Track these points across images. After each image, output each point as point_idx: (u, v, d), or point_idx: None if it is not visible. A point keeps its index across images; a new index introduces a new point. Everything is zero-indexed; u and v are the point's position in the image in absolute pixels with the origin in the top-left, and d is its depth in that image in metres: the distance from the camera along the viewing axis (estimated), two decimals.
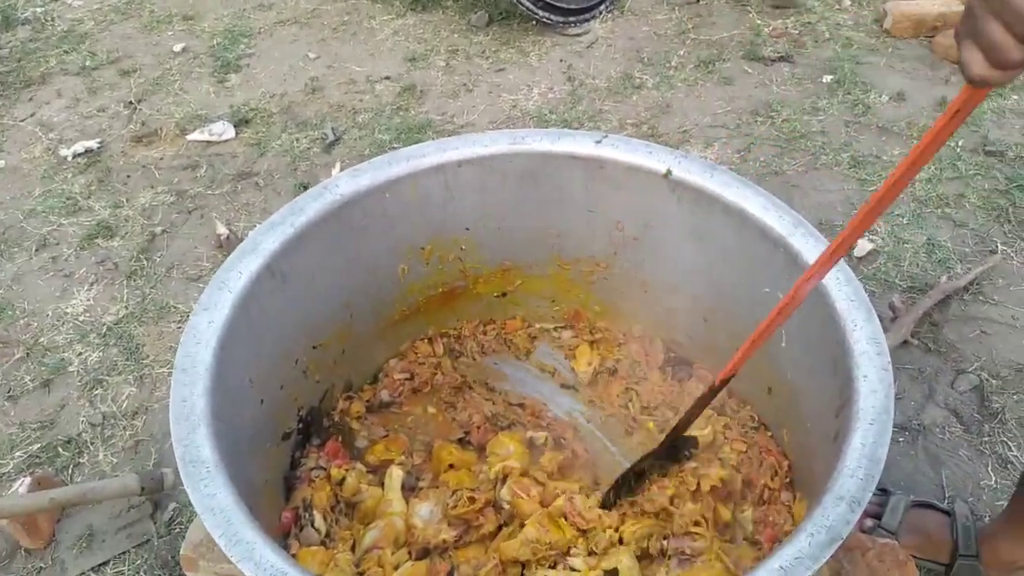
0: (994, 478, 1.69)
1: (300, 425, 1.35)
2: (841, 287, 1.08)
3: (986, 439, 1.76)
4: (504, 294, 1.58)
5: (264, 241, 1.20)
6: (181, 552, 1.35)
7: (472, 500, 1.18)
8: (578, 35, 3.16)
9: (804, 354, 1.18)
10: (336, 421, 1.43)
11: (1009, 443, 1.75)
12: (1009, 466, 1.71)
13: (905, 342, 1.93)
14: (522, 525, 1.15)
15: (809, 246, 1.14)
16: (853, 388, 0.96)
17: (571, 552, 1.12)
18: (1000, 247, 2.17)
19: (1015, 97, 2.68)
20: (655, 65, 2.98)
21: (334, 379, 1.43)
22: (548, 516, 1.14)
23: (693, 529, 1.15)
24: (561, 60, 3.05)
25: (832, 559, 1.25)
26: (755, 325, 1.31)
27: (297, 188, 2.50)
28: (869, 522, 1.53)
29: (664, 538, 1.15)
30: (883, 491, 1.59)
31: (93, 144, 2.73)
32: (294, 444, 1.34)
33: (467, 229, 1.46)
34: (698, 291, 1.40)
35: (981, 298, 2.05)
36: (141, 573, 1.60)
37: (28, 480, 1.69)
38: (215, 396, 0.99)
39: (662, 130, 2.67)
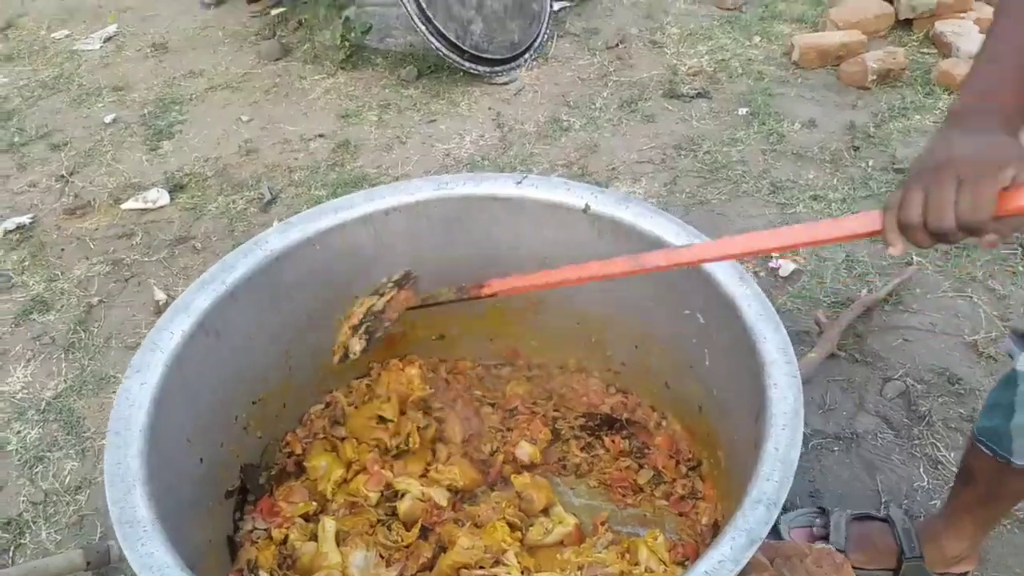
0: (926, 479, 1.76)
1: (241, 482, 1.35)
2: (751, 303, 1.14)
3: (916, 442, 1.84)
4: (442, 336, 1.61)
5: (196, 300, 1.22)
6: None
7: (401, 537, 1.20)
8: (505, 83, 3.26)
9: (725, 370, 1.24)
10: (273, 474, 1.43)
11: (938, 444, 1.83)
12: (940, 466, 1.79)
13: (832, 355, 2.01)
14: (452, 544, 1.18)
15: (722, 268, 1.20)
16: (766, 396, 1.01)
17: (504, 556, 1.15)
18: (915, 259, 2.29)
19: (917, 117, 2.86)
20: (581, 108, 3.10)
21: (276, 432, 1.44)
22: (474, 528, 1.17)
23: None
24: (490, 108, 3.14)
25: (774, 568, 1.30)
26: (681, 348, 1.38)
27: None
28: (818, 544, 1.58)
29: None
30: (822, 510, 1.64)
31: (25, 220, 2.70)
32: (234, 503, 1.33)
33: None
34: (627, 320, 1.45)
35: (901, 308, 2.16)
36: None
37: None
38: (151, 457, 1.00)
39: (592, 169, 2.77)
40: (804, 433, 1.84)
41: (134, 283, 2.44)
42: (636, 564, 1.18)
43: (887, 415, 1.90)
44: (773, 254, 2.32)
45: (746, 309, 1.14)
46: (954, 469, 1.75)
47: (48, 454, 1.95)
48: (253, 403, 1.35)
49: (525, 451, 1.41)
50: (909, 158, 2.66)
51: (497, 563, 1.16)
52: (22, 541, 1.76)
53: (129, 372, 1.10)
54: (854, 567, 1.53)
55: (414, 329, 1.58)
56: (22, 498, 1.85)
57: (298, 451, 1.45)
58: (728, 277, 1.19)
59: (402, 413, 1.47)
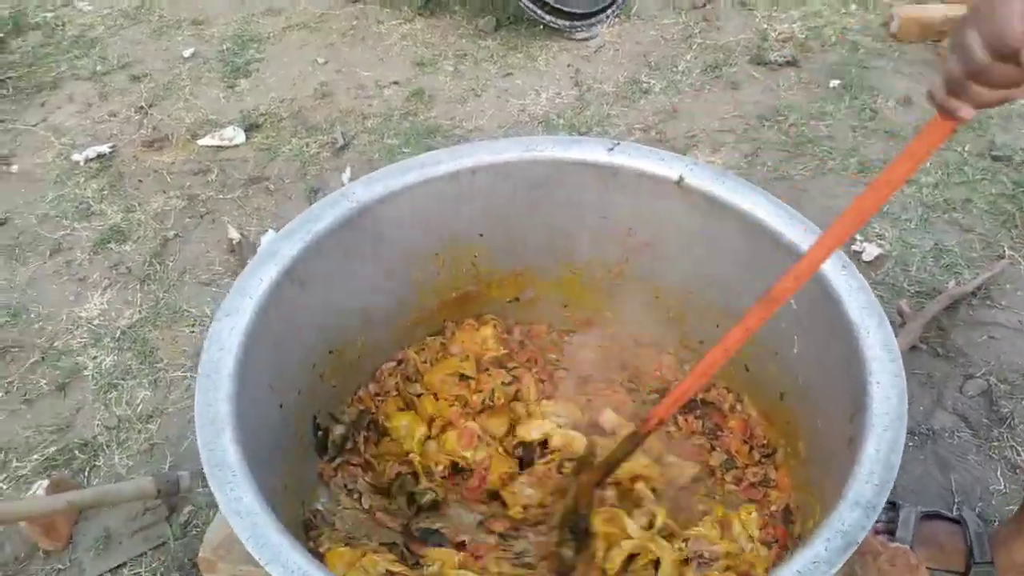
0: (1003, 483, 1.70)
1: (318, 433, 1.37)
2: (854, 294, 1.09)
3: (995, 444, 1.77)
4: (517, 299, 1.60)
5: (283, 248, 1.22)
6: (200, 554, 1.38)
7: None
8: (585, 40, 3.18)
9: (816, 359, 1.20)
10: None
11: (1018, 448, 1.76)
12: (1018, 471, 1.72)
13: (914, 347, 1.94)
14: None
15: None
16: (867, 394, 0.97)
17: None
18: (1007, 252, 2.18)
19: (1021, 101, 2.69)
20: (662, 70, 3.00)
21: (350, 384, 1.45)
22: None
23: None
24: (568, 65, 3.07)
25: (845, 565, 1.27)
26: (768, 331, 1.33)
27: (308, 193, 2.52)
28: (885, 539, 1.55)
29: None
30: (892, 504, 1.60)
31: (105, 149, 2.75)
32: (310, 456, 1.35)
33: (481, 235, 1.48)
34: (709, 297, 1.41)
35: (989, 303, 2.06)
36: (158, 574, 1.62)
37: (46, 483, 1.71)
38: (238, 401, 1.01)
39: (670, 135, 2.69)
40: None
41: (208, 219, 2.48)
42: (733, 540, 1.17)
43: (966, 413, 1.83)
44: (857, 237, 2.24)
45: (848, 299, 1.09)
46: None
47: (122, 382, 2.00)
48: (330, 352, 1.36)
49: (610, 419, 1.40)
50: (1008, 145, 2.52)
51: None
52: (96, 463, 1.83)
53: (219, 315, 1.10)
54: (931, 568, 1.50)
55: (489, 289, 1.57)
56: (97, 422, 1.91)
57: (371, 407, 1.46)
58: (829, 263, 1.14)
59: (479, 372, 1.46)
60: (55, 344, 2.11)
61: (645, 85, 2.93)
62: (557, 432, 1.36)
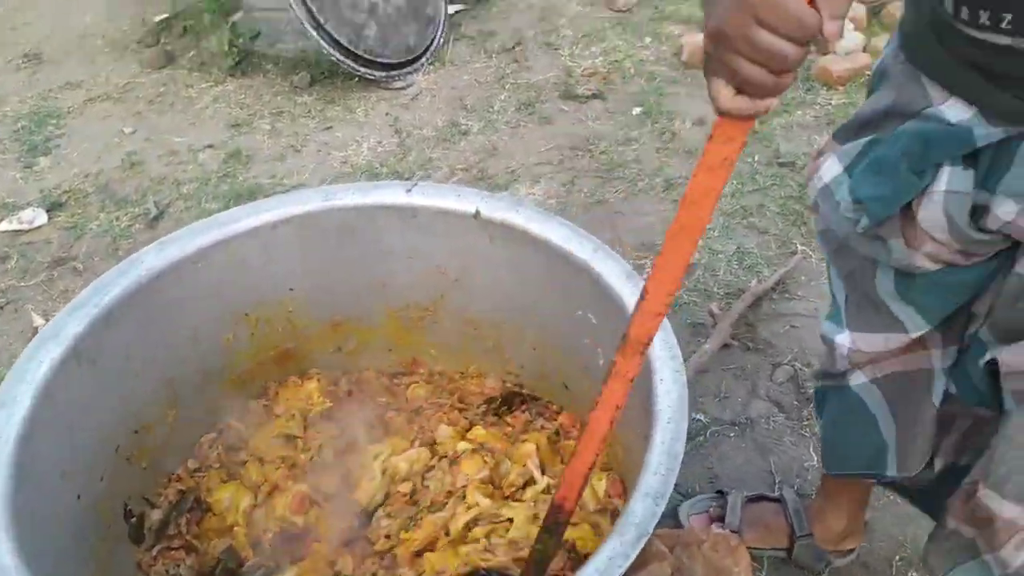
0: (815, 458, 1.85)
1: (132, 520, 1.29)
2: (616, 266, 1.18)
3: (806, 423, 1.93)
4: (339, 349, 1.59)
5: (68, 325, 1.15)
6: None
7: None
8: (402, 88, 3.24)
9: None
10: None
11: None
12: None
13: (726, 344, 2.09)
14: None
15: (609, 268, 1.23)
16: (653, 391, 1.04)
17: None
18: (799, 247, 2.40)
19: (799, 112, 2.99)
20: (479, 111, 3.10)
21: (163, 463, 1.38)
22: None
23: None
24: (387, 113, 3.11)
25: (673, 556, 1.33)
26: (576, 348, 1.40)
27: None
28: (715, 527, 1.63)
29: None
30: (720, 493, 1.70)
31: None
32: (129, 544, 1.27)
33: (291, 289, 1.46)
34: (522, 323, 1.46)
35: (787, 296, 2.26)
36: None
37: None
38: (18, 496, 0.94)
39: (491, 172, 2.78)
40: (702, 421, 1.92)
41: (10, 309, 2.30)
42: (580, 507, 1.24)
43: (778, 399, 1.98)
44: None
45: (632, 306, 1.16)
46: None
47: None
48: (135, 432, 1.29)
49: (444, 432, 1.42)
50: (792, 152, 2.78)
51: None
52: None
53: None
54: (749, 547, 1.58)
55: (309, 343, 1.55)
56: None
57: (192, 485, 1.39)
58: (616, 277, 1.22)
59: (306, 429, 1.44)
60: None
61: (464, 127, 3.02)
62: (395, 468, 1.37)
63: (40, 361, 1.10)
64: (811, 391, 1.98)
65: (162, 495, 1.35)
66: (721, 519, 1.63)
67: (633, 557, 0.83)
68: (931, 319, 1.10)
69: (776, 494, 1.69)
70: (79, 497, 1.12)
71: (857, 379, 1.26)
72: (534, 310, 1.43)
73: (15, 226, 2.57)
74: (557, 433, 1.46)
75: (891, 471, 1.28)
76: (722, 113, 0.71)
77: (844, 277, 1.20)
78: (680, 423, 0.97)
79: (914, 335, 1.12)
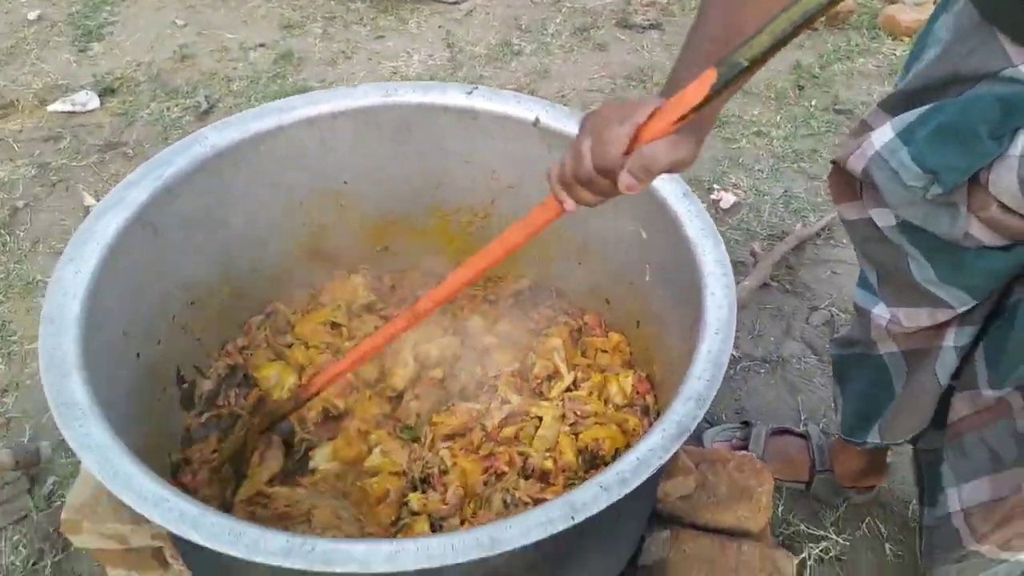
0: None
1: (184, 386, 1.34)
2: (692, 219, 1.17)
3: None
4: (386, 248, 1.61)
5: (131, 193, 1.18)
6: (63, 516, 1.32)
7: None
8: (456, 3, 3.18)
9: (664, 284, 1.28)
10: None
11: None
12: None
13: (765, 284, 2.09)
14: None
15: (665, 185, 1.22)
16: (703, 305, 1.05)
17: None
18: None
19: (861, 60, 2.91)
20: (533, 32, 3.05)
21: (215, 337, 1.43)
22: None
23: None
24: (440, 27, 3.07)
25: (698, 471, 1.37)
26: (622, 263, 1.41)
27: None
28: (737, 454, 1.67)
29: None
30: (745, 423, 1.73)
31: None
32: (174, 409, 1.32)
33: (344, 182, 1.47)
34: (570, 234, 1.47)
35: (832, 243, 2.24)
36: (21, 548, 1.54)
37: None
38: (86, 345, 0.98)
39: (541, 94, 2.74)
40: (733, 355, 1.93)
41: (61, 188, 2.34)
42: (607, 402, 1.29)
43: (812, 341, 1.99)
44: (715, 186, 2.37)
45: (688, 224, 1.17)
46: None
47: None
48: (191, 303, 1.33)
49: (477, 324, 1.45)
50: (850, 100, 2.72)
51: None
52: None
53: (62, 261, 1.06)
54: (779, 479, 1.63)
55: (358, 239, 1.57)
56: None
57: (240, 361, 1.44)
58: (672, 195, 1.22)
59: (349, 320, 1.47)
60: None
61: (516, 47, 2.97)
62: (425, 354, 1.41)
63: (107, 223, 1.13)
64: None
65: (212, 367, 1.39)
66: (744, 448, 1.66)
67: (672, 451, 0.86)
68: (978, 296, 1.09)
69: (801, 429, 1.71)
70: (138, 356, 1.16)
71: (888, 347, 1.26)
72: (583, 223, 1.43)
73: (68, 107, 2.60)
74: (580, 331, 1.48)
75: (872, 439, 1.32)
76: (561, 183, 0.88)
77: (876, 267, 1.19)
78: (728, 335, 0.99)
79: (961, 310, 1.11)
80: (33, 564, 1.52)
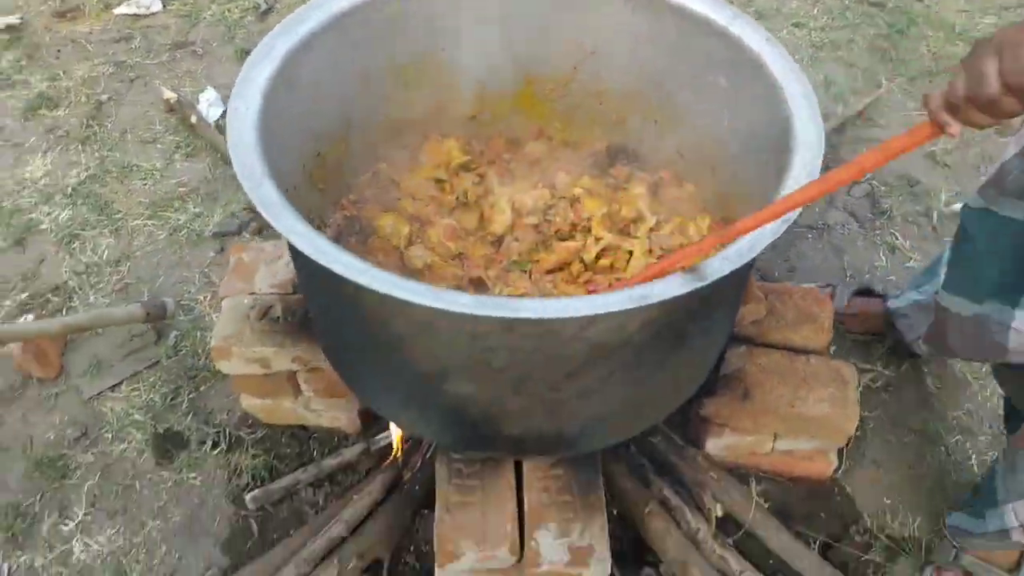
0: (885, 260, 2.04)
1: None
2: (776, 60, 1.31)
3: (878, 232, 2.10)
4: (474, 117, 1.75)
5: (275, 47, 1.32)
6: (212, 344, 1.51)
7: None
8: None
9: (745, 128, 1.42)
10: None
11: (896, 234, 2.09)
12: (896, 252, 2.06)
13: None
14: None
15: (748, 33, 1.36)
16: (792, 131, 1.19)
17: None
18: (884, 82, 2.50)
19: None
20: None
21: (333, 190, 1.58)
22: None
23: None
24: None
25: (767, 301, 1.54)
26: (700, 115, 1.55)
27: (239, 54, 2.55)
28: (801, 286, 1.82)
29: None
30: (829, 285, 1.88)
31: (14, 20, 2.65)
32: None
33: (443, 50, 1.61)
34: (648, 95, 1.60)
35: (871, 123, 2.38)
36: (156, 388, 1.74)
37: (31, 318, 1.78)
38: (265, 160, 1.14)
39: None
40: None
41: (139, 83, 2.47)
42: (689, 238, 1.44)
43: (854, 210, 2.15)
44: None
45: (772, 65, 1.30)
46: (910, 255, 2.03)
47: (82, 232, 2.05)
48: (317, 155, 1.48)
49: (563, 179, 1.61)
50: None
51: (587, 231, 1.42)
52: (72, 304, 1.90)
53: (233, 98, 1.21)
54: (849, 331, 1.80)
55: (451, 105, 1.71)
56: (64, 269, 1.97)
57: (353, 213, 1.59)
58: (754, 41, 1.35)
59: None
60: (3, 204, 2.11)
61: None
62: (521, 203, 1.57)
63: (259, 73, 1.26)
64: (885, 205, 2.15)
65: (332, 218, 1.55)
66: None
67: (779, 233, 1.02)
68: None
69: (880, 291, 1.86)
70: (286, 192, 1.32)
71: None
72: (663, 80, 1.56)
73: (133, 10, 2.71)
74: (656, 184, 1.63)
75: None
76: (948, 105, 0.82)
77: None
78: (818, 153, 1.14)
79: None
80: (171, 401, 1.72)
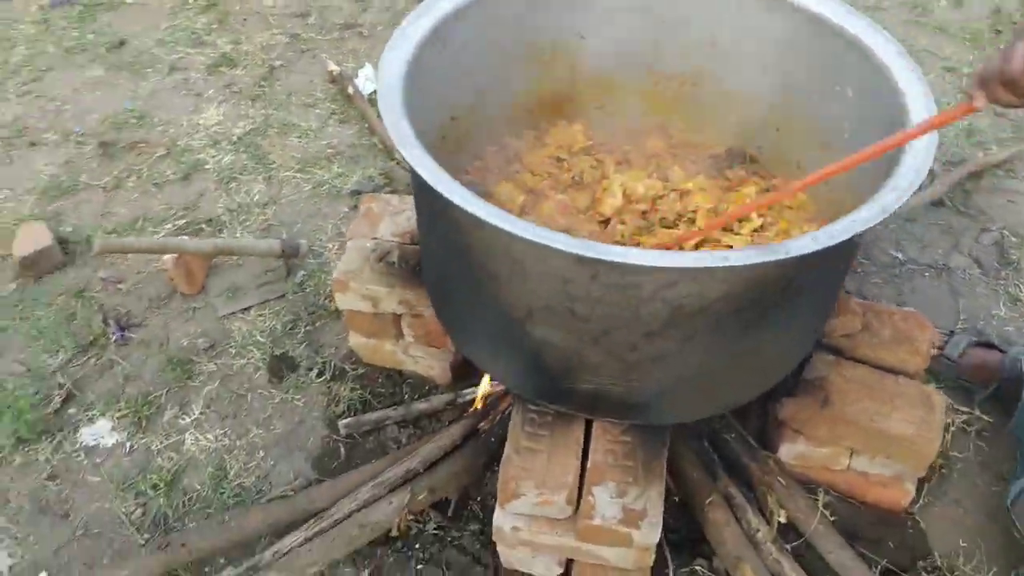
0: (1004, 310, 1.96)
1: None
2: (887, 44, 1.34)
3: (1001, 282, 2.03)
4: (601, 106, 1.84)
5: (434, 8, 1.46)
6: (333, 276, 1.67)
7: None
8: None
9: (867, 141, 1.44)
10: None
11: (1020, 286, 2.01)
12: (1018, 304, 1.98)
13: (940, 202, 2.19)
14: None
15: (880, 45, 1.38)
16: (913, 148, 1.21)
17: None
18: None
19: None
20: None
21: (461, 156, 1.71)
22: None
23: None
24: None
25: (863, 316, 1.54)
26: (822, 124, 1.58)
27: None
28: (934, 351, 1.77)
29: None
30: (951, 332, 1.83)
31: None
32: None
33: (582, 37, 1.72)
34: (774, 99, 1.64)
35: (1012, 175, 2.29)
36: (279, 316, 1.92)
37: (186, 237, 2.02)
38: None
39: None
40: (899, 258, 2.06)
41: (309, 55, 2.73)
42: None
43: (979, 257, 2.08)
44: None
45: (900, 78, 1.32)
46: None
47: (239, 176, 2.29)
48: (452, 119, 1.62)
49: (677, 174, 1.67)
50: None
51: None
52: (221, 235, 2.13)
53: (387, 49, 1.37)
54: (961, 379, 1.75)
55: (579, 94, 1.81)
56: (220, 205, 2.21)
57: (475, 178, 1.72)
58: (886, 53, 1.37)
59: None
60: (178, 143, 2.40)
61: None
62: (632, 190, 1.64)
63: (416, 30, 1.42)
64: (1014, 257, 2.07)
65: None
66: (941, 348, 1.76)
67: (872, 223, 1.05)
68: None
69: (1002, 346, 1.78)
70: None
71: None
72: (789, 85, 1.60)
73: None
74: (768, 190, 1.66)
75: None
76: (980, 80, 0.93)
77: None
78: (930, 151, 1.16)
79: None
80: (289, 329, 1.89)
